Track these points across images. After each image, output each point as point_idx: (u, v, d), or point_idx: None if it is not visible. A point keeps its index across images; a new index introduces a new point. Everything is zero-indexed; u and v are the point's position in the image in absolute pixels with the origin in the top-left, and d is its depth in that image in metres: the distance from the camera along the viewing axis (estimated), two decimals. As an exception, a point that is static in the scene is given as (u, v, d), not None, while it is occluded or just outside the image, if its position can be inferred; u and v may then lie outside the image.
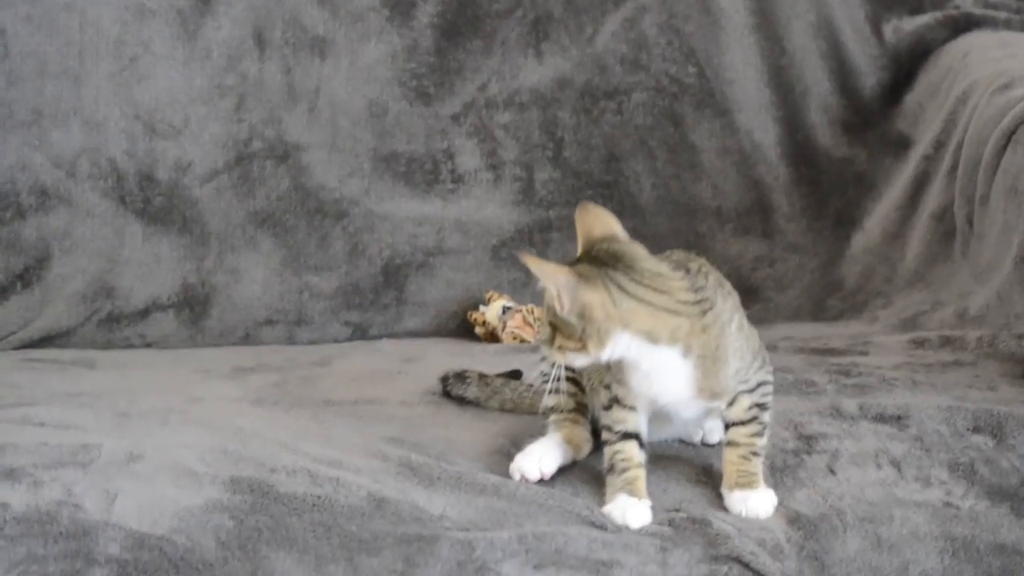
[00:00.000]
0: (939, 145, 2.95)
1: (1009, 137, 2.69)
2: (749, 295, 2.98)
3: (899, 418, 2.26)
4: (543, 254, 2.90)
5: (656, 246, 2.98)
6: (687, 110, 3.07)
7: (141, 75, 2.95)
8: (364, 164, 2.99)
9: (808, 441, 2.22)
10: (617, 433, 2.10)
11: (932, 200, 2.92)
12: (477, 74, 3.04)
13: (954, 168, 2.87)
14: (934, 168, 2.94)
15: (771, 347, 2.64)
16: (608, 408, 2.11)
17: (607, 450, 2.11)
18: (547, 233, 3.02)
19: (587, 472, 2.16)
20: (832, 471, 2.16)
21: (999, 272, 2.66)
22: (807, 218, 3.06)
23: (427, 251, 2.99)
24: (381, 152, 2.99)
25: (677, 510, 2.09)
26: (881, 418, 2.26)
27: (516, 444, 2.19)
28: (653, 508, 2.07)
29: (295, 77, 2.99)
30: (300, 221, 2.96)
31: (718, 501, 2.11)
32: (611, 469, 2.10)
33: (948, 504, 2.13)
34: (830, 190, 3.07)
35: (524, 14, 3.06)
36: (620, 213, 2.98)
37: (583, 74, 3.06)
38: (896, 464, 2.17)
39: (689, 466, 2.19)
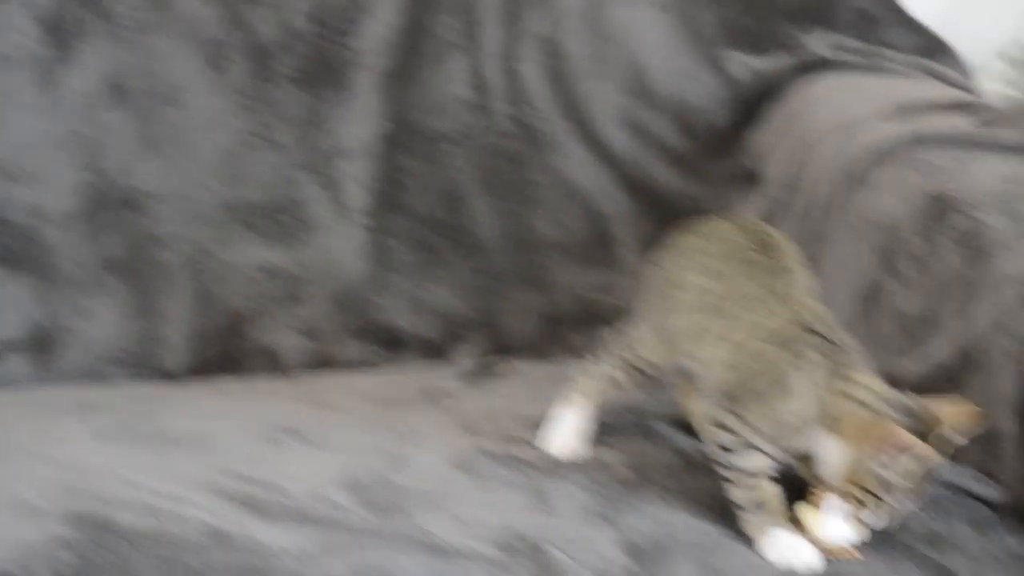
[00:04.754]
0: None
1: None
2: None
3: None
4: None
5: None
6: (524, 148, 3.11)
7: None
8: None
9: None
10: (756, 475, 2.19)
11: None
12: None
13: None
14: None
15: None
16: (732, 451, 2.19)
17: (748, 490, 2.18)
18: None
19: (423, 496, 2.26)
20: None
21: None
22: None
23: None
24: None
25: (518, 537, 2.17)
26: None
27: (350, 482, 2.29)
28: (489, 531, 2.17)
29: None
30: None
31: (559, 530, 2.19)
32: (761, 506, 2.18)
33: None
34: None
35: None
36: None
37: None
38: None
39: (526, 493, 2.28)
